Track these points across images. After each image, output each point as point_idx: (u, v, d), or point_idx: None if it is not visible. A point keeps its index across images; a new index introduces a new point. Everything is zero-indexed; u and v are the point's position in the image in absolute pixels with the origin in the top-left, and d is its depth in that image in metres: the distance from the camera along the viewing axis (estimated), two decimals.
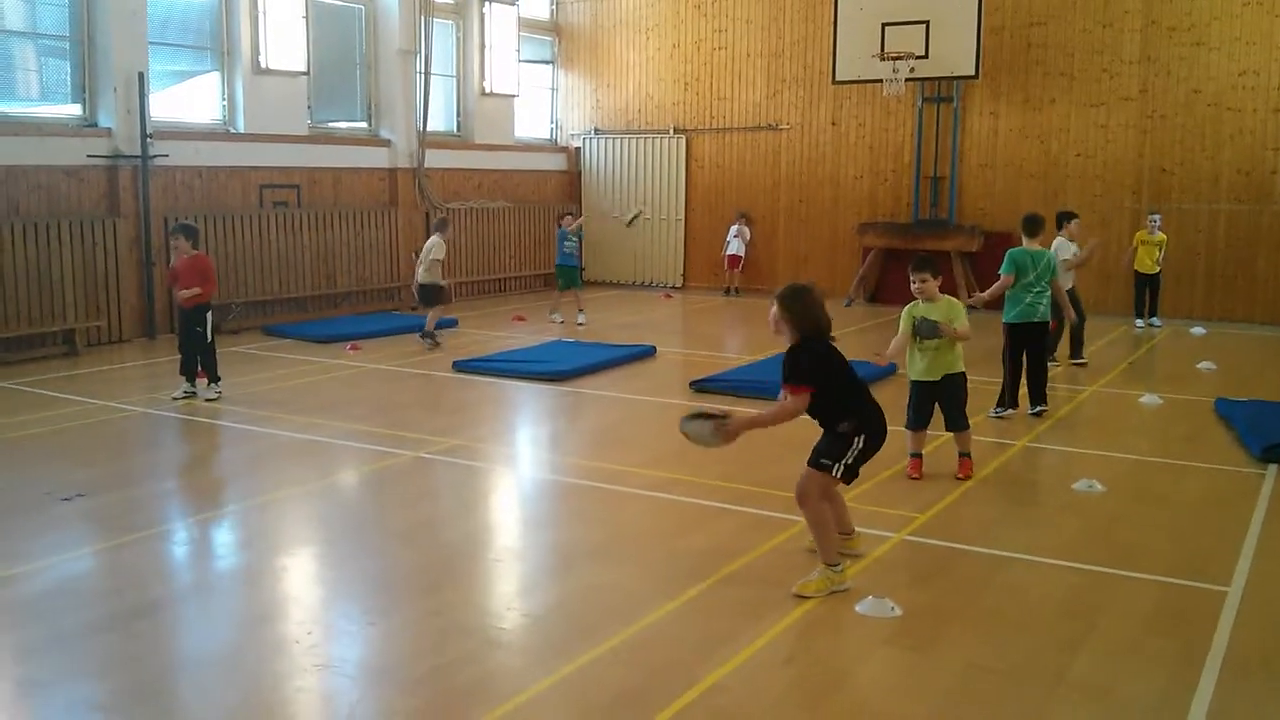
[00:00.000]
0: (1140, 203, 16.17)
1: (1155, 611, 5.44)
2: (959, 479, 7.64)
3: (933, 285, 7.56)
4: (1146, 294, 15.20)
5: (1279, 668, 4.79)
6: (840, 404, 5.59)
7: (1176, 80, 15.91)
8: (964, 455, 7.76)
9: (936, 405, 7.73)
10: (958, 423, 7.72)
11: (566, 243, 15.53)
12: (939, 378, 7.61)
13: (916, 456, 7.76)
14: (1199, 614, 5.37)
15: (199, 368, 10.26)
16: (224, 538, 6.65)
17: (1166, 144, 16.07)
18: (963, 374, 7.72)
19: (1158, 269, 15.00)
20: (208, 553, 6.37)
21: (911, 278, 7.60)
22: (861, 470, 5.76)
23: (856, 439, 5.61)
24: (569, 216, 16.18)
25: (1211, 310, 15.83)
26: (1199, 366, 12.18)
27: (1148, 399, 10.34)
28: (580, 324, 15.12)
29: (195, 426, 9.30)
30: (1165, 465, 8.27)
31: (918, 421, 7.73)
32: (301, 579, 6.00)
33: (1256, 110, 15.49)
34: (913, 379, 7.74)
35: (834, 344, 5.64)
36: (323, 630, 5.16)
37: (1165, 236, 14.95)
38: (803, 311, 5.57)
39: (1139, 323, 15.17)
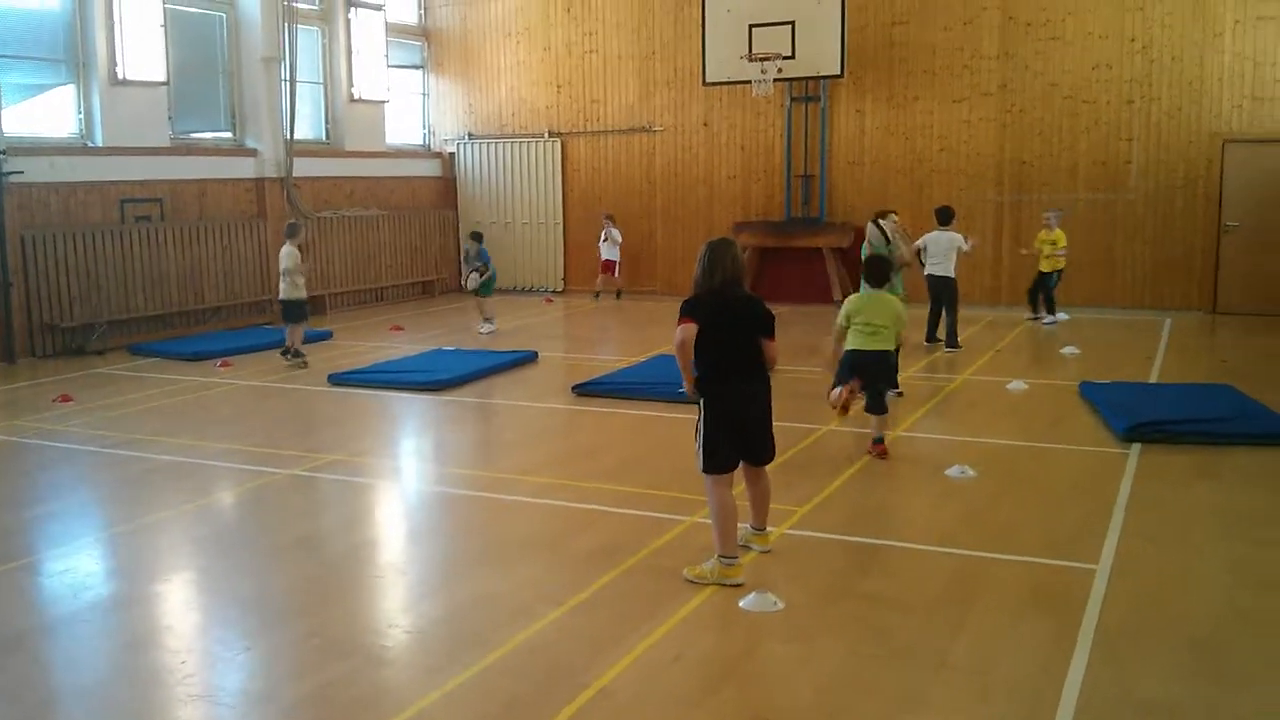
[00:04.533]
0: (1003, 195, 16.66)
1: (1029, 592, 5.61)
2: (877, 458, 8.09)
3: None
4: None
5: (1146, 641, 4.97)
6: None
7: (1034, 75, 16.43)
8: (881, 439, 8.18)
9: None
10: (881, 405, 8.18)
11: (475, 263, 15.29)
12: (879, 349, 8.03)
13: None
14: (1070, 592, 5.55)
15: None
16: (94, 566, 6.40)
17: (1026, 137, 16.58)
18: (891, 353, 8.26)
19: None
20: (77, 583, 6.11)
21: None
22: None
23: (699, 411, 5.81)
24: (474, 242, 15.59)
25: (1073, 296, 16.35)
26: (1063, 352, 12.60)
27: (1015, 385, 10.66)
28: (481, 331, 14.92)
29: (60, 453, 8.93)
30: (1034, 449, 8.54)
31: (846, 380, 8.03)
32: (176, 605, 5.81)
33: (1110, 102, 16.08)
34: (850, 349, 8.04)
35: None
36: (198, 657, 5.01)
37: (1061, 234, 14.81)
38: None
39: (1034, 317, 15.16)
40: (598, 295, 18.95)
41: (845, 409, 7.85)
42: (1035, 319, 15.00)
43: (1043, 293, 15.00)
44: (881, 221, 11.66)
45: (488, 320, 15.09)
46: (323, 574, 6.11)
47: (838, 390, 7.87)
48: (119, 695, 4.66)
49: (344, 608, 5.61)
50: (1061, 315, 15.05)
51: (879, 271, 8.32)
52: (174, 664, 4.91)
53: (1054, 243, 14.64)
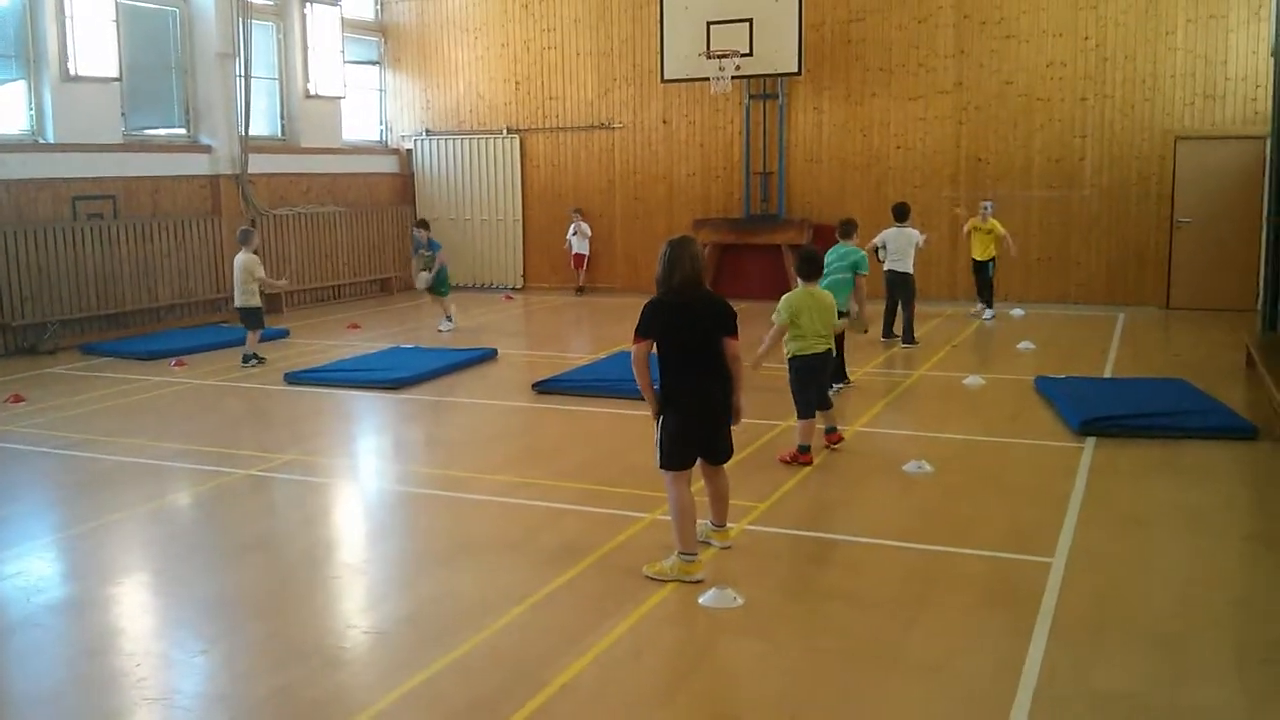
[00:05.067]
0: (959, 191, 16.78)
1: (986, 585, 5.65)
2: (834, 449, 8.19)
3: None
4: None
5: (1102, 634, 5.03)
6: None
7: (989, 72, 16.57)
8: (834, 428, 8.26)
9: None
10: (828, 400, 8.24)
11: (422, 251, 14.97)
12: (824, 350, 8.00)
13: (808, 449, 7.97)
14: (1027, 585, 5.60)
15: None
16: (47, 569, 6.29)
17: (981, 134, 16.72)
18: (834, 350, 8.23)
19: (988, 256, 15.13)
20: (30, 586, 6.00)
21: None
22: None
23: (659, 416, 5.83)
24: (419, 230, 15.25)
25: (1029, 292, 16.55)
26: (1019, 347, 12.72)
27: (971, 380, 10.74)
28: (441, 330, 14.73)
29: (12, 454, 8.78)
30: (990, 443, 8.61)
31: (813, 409, 8.02)
32: (130, 609, 5.74)
33: (1064, 100, 16.24)
34: (800, 354, 7.93)
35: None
36: (154, 661, 4.95)
37: (996, 223, 15.04)
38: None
39: (979, 308, 15.32)
40: (580, 290, 19.12)
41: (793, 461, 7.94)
42: (980, 312, 15.22)
43: (979, 282, 15.24)
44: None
45: (448, 318, 14.99)
46: (280, 575, 6.06)
47: (794, 450, 7.96)
48: (73, 700, 4.60)
49: (302, 609, 5.56)
50: (990, 313, 15.17)
51: (814, 266, 8.10)
52: (129, 667, 4.85)
53: (989, 231, 14.86)
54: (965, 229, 15.25)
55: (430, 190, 20.59)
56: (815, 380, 8.04)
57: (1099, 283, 16.33)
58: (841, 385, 10.18)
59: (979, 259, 15.11)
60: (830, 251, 10.03)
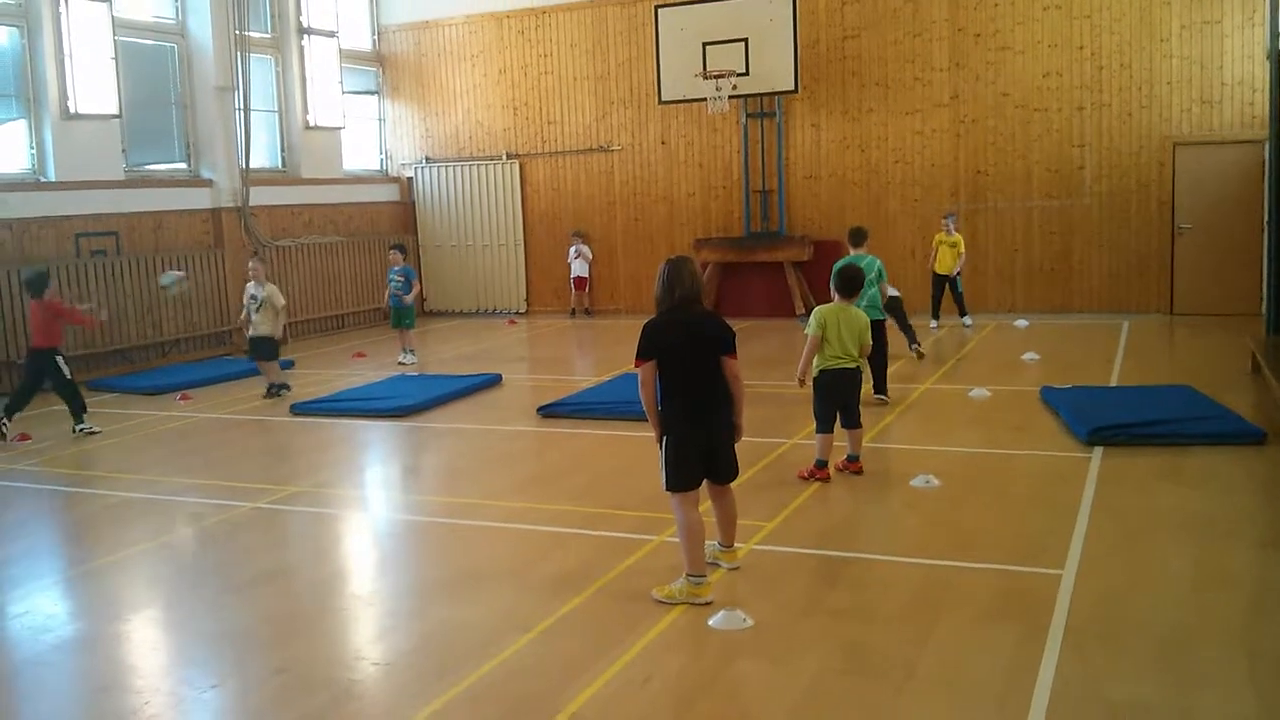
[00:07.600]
0: (959, 204, 16.79)
1: (996, 599, 5.62)
2: (851, 472, 8.01)
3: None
4: (944, 294, 15.49)
5: (1114, 644, 5.00)
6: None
7: (985, 84, 16.60)
8: (856, 457, 8.07)
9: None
10: (858, 420, 8.05)
11: (392, 281, 14.76)
12: (851, 367, 7.89)
13: (825, 465, 7.93)
14: (1037, 598, 5.58)
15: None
16: (55, 608, 6.29)
17: (980, 146, 16.74)
18: (860, 369, 8.06)
19: (956, 270, 15.32)
20: (38, 625, 5.99)
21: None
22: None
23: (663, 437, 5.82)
24: (394, 252, 14.99)
25: (1032, 303, 16.54)
26: (1024, 358, 12.70)
27: (977, 392, 10.72)
28: (401, 362, 14.47)
29: (19, 492, 8.79)
30: (997, 455, 8.58)
31: (831, 423, 7.94)
32: (139, 645, 5.73)
33: (1061, 110, 16.26)
34: (825, 369, 7.87)
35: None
36: (164, 698, 4.94)
37: (960, 237, 15.37)
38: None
39: (933, 324, 15.35)
40: (573, 313, 19.22)
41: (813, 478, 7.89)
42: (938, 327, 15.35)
43: (952, 295, 15.42)
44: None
45: (409, 351, 14.65)
46: (289, 608, 6.05)
47: (813, 466, 7.92)
48: None
49: (311, 642, 5.55)
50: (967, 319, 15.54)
51: (851, 284, 8.01)
52: (138, 705, 4.83)
53: (954, 244, 15.00)
54: (934, 245, 15.33)
55: (431, 217, 20.64)
56: (839, 397, 7.92)
57: (1102, 291, 16.31)
58: (883, 398, 10.34)
59: (942, 273, 15.21)
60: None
